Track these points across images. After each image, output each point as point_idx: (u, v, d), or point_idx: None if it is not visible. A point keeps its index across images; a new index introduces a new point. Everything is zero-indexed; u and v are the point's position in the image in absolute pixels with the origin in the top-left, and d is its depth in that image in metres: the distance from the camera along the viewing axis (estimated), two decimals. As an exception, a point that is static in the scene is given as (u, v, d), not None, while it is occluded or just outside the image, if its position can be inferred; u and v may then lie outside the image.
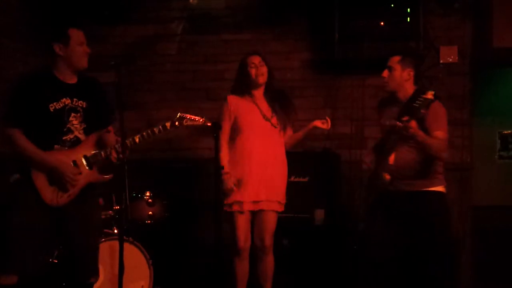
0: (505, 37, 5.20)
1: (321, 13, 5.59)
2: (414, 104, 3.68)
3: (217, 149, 4.06)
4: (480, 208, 5.60)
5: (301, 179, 5.10)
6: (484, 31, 5.34)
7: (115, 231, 4.53)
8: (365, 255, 4.22)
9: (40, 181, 3.61)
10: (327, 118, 4.30)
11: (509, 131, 6.62)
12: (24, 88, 3.65)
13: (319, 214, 5.01)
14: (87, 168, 3.70)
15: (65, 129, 3.68)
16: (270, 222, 4.33)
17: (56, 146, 3.65)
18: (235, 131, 4.38)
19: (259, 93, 4.42)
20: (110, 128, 3.83)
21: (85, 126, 3.75)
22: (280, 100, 4.45)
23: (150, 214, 4.80)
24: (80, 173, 3.67)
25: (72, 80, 3.75)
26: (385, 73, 4.15)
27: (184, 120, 3.78)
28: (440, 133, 3.93)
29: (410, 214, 3.99)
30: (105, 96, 3.87)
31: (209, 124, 3.85)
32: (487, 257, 5.54)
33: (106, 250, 4.32)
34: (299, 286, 4.87)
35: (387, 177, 3.97)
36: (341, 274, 4.93)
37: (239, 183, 4.27)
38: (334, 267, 4.94)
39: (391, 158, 3.96)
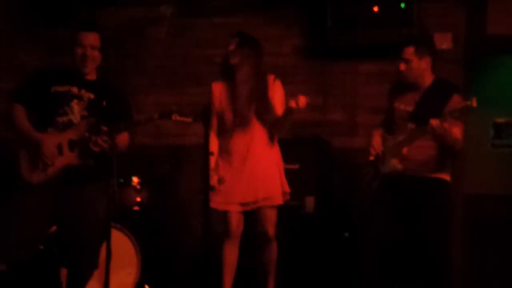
0: (500, 24, 5.15)
1: (314, -2, 5.53)
2: (455, 107, 3.64)
3: (206, 136, 3.97)
4: (472, 197, 5.58)
5: (292, 167, 5.04)
6: (479, 18, 5.28)
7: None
8: (367, 240, 4.20)
9: (23, 156, 3.72)
10: (298, 95, 4.02)
11: (503, 120, 6.58)
12: (36, 73, 3.89)
13: (310, 201, 4.98)
14: (68, 150, 3.73)
15: (61, 111, 3.74)
16: (271, 216, 4.26)
17: (50, 129, 3.74)
18: (220, 123, 4.25)
19: (240, 78, 4.20)
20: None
21: (85, 113, 3.78)
22: (261, 89, 4.23)
23: (138, 200, 4.77)
24: (62, 154, 3.72)
25: (91, 76, 3.85)
26: (402, 66, 4.01)
27: (173, 116, 3.72)
28: (458, 130, 3.87)
29: (413, 198, 3.99)
30: (119, 101, 3.88)
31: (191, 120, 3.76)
32: (479, 245, 5.52)
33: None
34: (289, 274, 4.82)
35: (399, 165, 3.96)
36: (332, 262, 4.90)
37: (221, 181, 4.18)
38: (324, 255, 4.91)
39: (406, 148, 3.93)
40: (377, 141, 4.17)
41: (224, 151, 4.24)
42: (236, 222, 4.23)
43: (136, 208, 4.77)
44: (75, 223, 3.75)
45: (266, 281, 4.36)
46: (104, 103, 3.76)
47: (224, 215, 4.23)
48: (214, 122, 4.26)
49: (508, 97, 6.23)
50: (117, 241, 4.15)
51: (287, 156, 4.88)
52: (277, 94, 4.28)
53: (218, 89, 4.28)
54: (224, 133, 4.25)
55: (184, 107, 5.48)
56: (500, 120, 6.57)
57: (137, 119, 3.82)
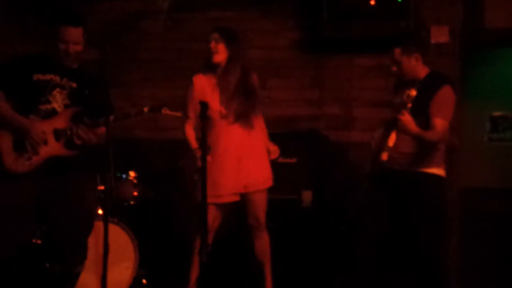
0: (497, 17, 5.15)
1: (310, -9, 5.50)
2: (403, 98, 3.73)
3: (203, 130, 3.94)
4: (468, 191, 5.59)
5: (289, 160, 5.04)
6: (476, 11, 5.27)
7: (100, 211, 4.47)
8: (359, 231, 4.20)
9: (5, 144, 3.62)
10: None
11: (499, 113, 6.61)
12: (17, 59, 3.78)
13: (307, 195, 4.97)
14: (54, 140, 3.68)
15: (43, 99, 3.68)
16: (261, 201, 4.26)
17: (31, 116, 3.65)
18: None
19: (222, 73, 4.20)
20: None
21: (68, 103, 3.73)
22: (245, 88, 4.20)
23: (135, 194, 4.74)
24: (46, 143, 3.65)
25: (72, 65, 3.76)
26: (393, 68, 4.08)
27: (163, 109, 3.73)
28: (439, 121, 3.87)
29: (404, 193, 3.99)
30: (101, 91, 3.76)
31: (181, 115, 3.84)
32: (475, 239, 5.53)
33: (91, 230, 4.29)
34: (286, 268, 4.81)
35: (384, 157, 3.93)
36: (329, 256, 4.89)
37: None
38: (321, 249, 4.89)
39: (391, 139, 3.92)
40: (379, 133, 4.18)
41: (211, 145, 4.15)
42: (211, 216, 4.13)
43: (133, 202, 4.74)
44: (61, 214, 3.71)
45: (263, 273, 4.37)
46: (86, 92, 3.74)
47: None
48: (192, 114, 4.23)
49: (505, 91, 6.25)
50: (114, 236, 4.13)
51: (284, 150, 4.86)
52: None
53: (200, 82, 4.24)
54: (208, 126, 4.18)
55: (179, 101, 5.50)
56: (496, 113, 6.60)
57: (127, 112, 3.74)
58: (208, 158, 3.76)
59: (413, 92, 3.68)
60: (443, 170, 4.07)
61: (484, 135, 6.61)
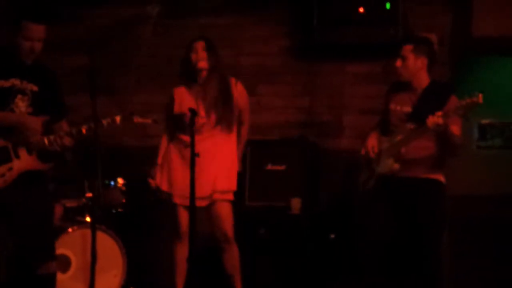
0: (485, 25, 5.17)
1: (301, -2, 5.51)
2: (460, 104, 3.61)
3: (192, 137, 3.95)
4: (457, 198, 5.58)
5: (278, 167, 5.05)
6: (464, 19, 5.30)
7: (88, 219, 4.47)
8: (364, 238, 4.21)
9: None
10: None
11: (487, 121, 6.64)
12: None
13: (296, 203, 4.95)
14: (26, 153, 3.58)
15: (7, 109, 3.56)
16: (227, 213, 4.22)
17: None
18: (179, 124, 4.26)
19: (204, 82, 4.25)
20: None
21: (31, 110, 3.63)
22: (224, 94, 4.25)
23: (123, 201, 4.74)
24: (19, 157, 3.55)
25: (29, 61, 3.65)
26: (398, 62, 4.03)
27: (135, 118, 3.77)
28: (458, 128, 3.86)
29: (410, 199, 3.99)
30: (58, 87, 3.79)
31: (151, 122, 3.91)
32: (464, 247, 5.54)
33: (78, 238, 4.29)
34: (275, 276, 4.82)
35: (397, 166, 3.94)
36: (317, 264, 4.89)
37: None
38: (310, 257, 4.89)
39: (404, 148, 3.92)
40: (371, 141, 4.17)
41: (180, 150, 4.23)
42: (185, 220, 4.12)
43: (121, 209, 4.74)
44: (20, 219, 3.61)
45: (233, 286, 4.29)
46: (46, 94, 3.68)
47: (174, 213, 4.22)
48: (170, 124, 4.33)
49: (493, 99, 6.25)
50: (102, 243, 4.13)
51: (273, 157, 4.89)
52: (243, 99, 4.34)
53: (179, 94, 4.31)
54: (181, 133, 4.24)
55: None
56: (484, 121, 6.64)
57: (101, 121, 3.66)
58: None
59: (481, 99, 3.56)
60: (443, 177, 4.10)
61: (472, 143, 6.65)
